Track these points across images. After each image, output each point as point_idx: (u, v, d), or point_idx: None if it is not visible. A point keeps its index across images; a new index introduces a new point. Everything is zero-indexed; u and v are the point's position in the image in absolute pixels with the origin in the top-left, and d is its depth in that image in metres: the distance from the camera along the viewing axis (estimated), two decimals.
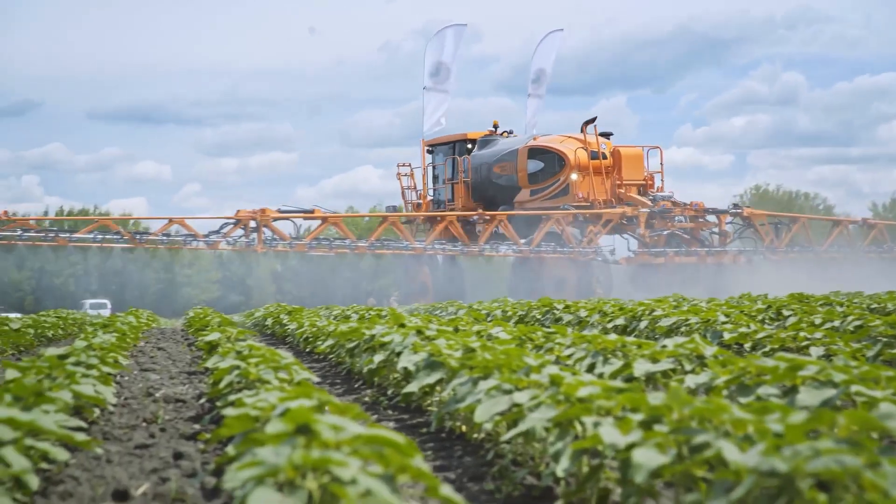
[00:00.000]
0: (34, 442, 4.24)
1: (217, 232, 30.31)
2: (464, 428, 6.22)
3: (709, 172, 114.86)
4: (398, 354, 7.63)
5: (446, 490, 3.09)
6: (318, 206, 32.00)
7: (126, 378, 9.93)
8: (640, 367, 5.99)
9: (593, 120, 34.25)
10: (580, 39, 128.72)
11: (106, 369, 7.16)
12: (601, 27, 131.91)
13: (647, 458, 3.28)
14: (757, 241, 34.79)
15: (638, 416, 3.68)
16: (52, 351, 6.58)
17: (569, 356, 7.21)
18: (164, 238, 30.02)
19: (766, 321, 13.10)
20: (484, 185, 35.73)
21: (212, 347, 9.83)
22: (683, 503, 3.15)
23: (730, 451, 2.96)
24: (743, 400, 4.82)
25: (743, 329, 10.02)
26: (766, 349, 8.94)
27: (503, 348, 5.91)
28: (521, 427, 4.37)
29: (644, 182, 34.34)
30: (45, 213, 69.17)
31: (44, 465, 4.84)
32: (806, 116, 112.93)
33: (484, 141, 36.51)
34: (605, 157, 33.62)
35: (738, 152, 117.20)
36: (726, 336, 9.77)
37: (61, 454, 4.40)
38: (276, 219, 30.58)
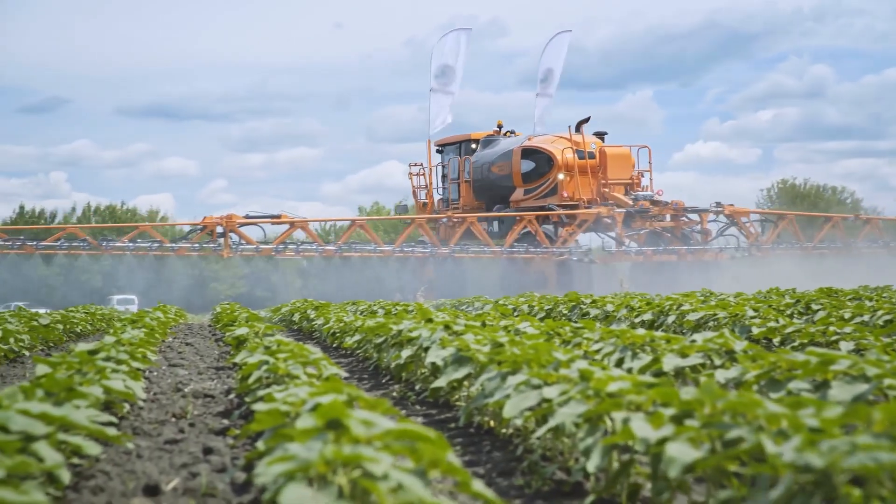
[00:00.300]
0: (66, 437, 4.27)
1: (185, 238, 31.91)
2: (492, 423, 6.21)
3: (736, 167, 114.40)
4: (426, 349, 7.63)
5: (478, 485, 3.08)
6: (285, 211, 33.36)
7: (155, 373, 9.98)
8: (670, 362, 5.97)
9: (587, 120, 35.37)
10: (606, 33, 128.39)
11: (135, 365, 7.19)
12: (628, 20, 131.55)
13: (682, 452, 3.26)
14: (740, 237, 35.53)
15: (669, 411, 3.66)
16: (82, 346, 6.62)
17: (597, 351, 7.19)
18: (130, 245, 31.30)
19: (795, 315, 13.03)
20: (485, 185, 36.56)
21: (240, 343, 9.86)
22: (717, 499, 3.13)
23: (769, 445, 2.94)
24: (773, 395, 4.79)
25: (772, 323, 9.97)
26: (796, 344, 8.89)
27: (532, 343, 5.89)
28: (552, 423, 4.36)
29: (631, 181, 35.06)
30: (73, 210, 69.70)
31: (75, 461, 4.87)
32: (834, 109, 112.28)
33: (486, 141, 37.29)
34: (591, 157, 34.44)
35: (765, 146, 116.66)
36: (755, 331, 9.73)
37: (93, 449, 4.42)
38: (241, 224, 31.82)
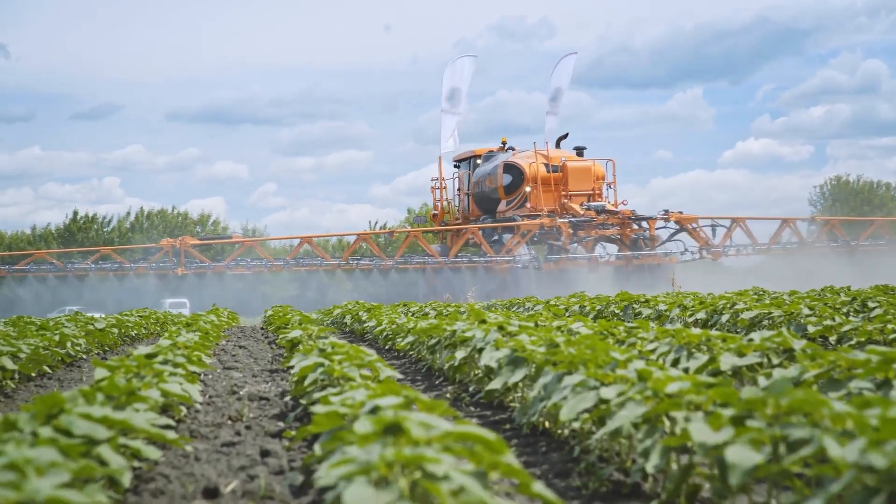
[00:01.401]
0: (126, 440, 4.30)
1: (143, 259, 37.11)
2: (547, 424, 6.19)
3: (787, 164, 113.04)
4: (480, 351, 7.62)
5: (538, 486, 3.07)
6: (236, 232, 38.54)
7: (210, 376, 10.05)
8: (727, 361, 5.91)
9: (565, 136, 39.76)
10: (657, 32, 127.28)
11: (192, 368, 7.24)
12: (678, 19, 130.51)
13: (742, 457, 3.22)
14: (685, 241, 38.20)
15: (728, 412, 3.63)
16: (139, 350, 6.67)
17: (652, 351, 7.15)
18: (93, 266, 36.50)
19: (851, 314, 12.88)
20: (482, 197, 39.82)
21: (293, 345, 9.90)
22: (780, 502, 3.09)
23: (833, 447, 2.90)
24: (833, 394, 4.73)
25: (828, 322, 9.86)
26: (853, 342, 8.78)
27: (589, 343, 5.86)
28: (611, 425, 4.33)
29: (591, 193, 37.85)
30: (128, 214, 70.50)
31: (135, 464, 4.91)
32: (887, 105, 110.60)
33: (487, 156, 40.47)
34: (556, 171, 37.57)
35: (818, 143, 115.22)
36: (811, 329, 9.63)
37: (153, 453, 4.46)
38: (195, 245, 36.74)
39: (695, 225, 37.80)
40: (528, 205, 37.11)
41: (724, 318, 12.47)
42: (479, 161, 40.79)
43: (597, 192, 37.88)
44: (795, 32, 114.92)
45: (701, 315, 13.14)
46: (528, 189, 37.13)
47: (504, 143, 41.05)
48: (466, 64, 41.96)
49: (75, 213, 70.09)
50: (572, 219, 36.47)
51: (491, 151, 40.71)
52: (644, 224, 37.68)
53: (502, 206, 38.59)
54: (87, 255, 40.35)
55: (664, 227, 38.12)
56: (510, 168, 38.12)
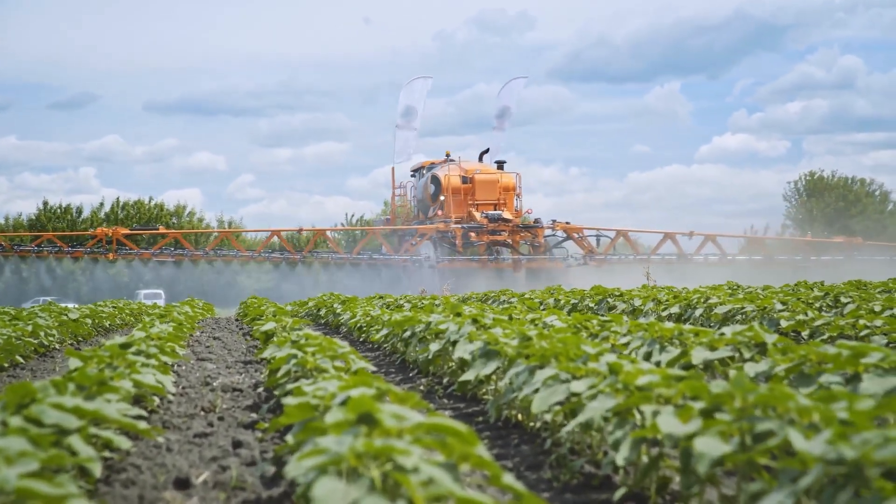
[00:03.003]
0: (98, 431, 4.29)
1: (81, 245, 41.27)
2: (520, 416, 6.21)
3: (764, 159, 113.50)
4: (454, 343, 7.63)
5: (509, 479, 3.08)
6: (161, 225, 45.66)
7: (184, 367, 10.03)
8: (699, 355, 5.94)
9: (487, 151, 45.11)
10: (637, 26, 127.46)
11: (165, 359, 7.22)
12: (658, 13, 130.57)
13: (710, 447, 3.25)
14: (568, 249, 42.71)
15: (698, 405, 3.65)
16: (112, 341, 6.65)
17: (625, 345, 7.18)
18: (35, 248, 40.21)
19: (824, 309, 12.96)
20: (421, 203, 44.52)
21: (268, 337, 9.89)
22: (747, 492, 3.12)
23: (797, 439, 2.92)
24: (804, 389, 4.76)
25: (800, 316, 9.92)
26: (825, 337, 8.84)
27: (560, 336, 5.88)
28: (581, 418, 4.35)
29: (497, 202, 42.12)
30: (101, 205, 70.06)
31: (106, 454, 4.90)
32: (864, 101, 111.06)
33: (430, 167, 44.69)
34: (466, 182, 41.97)
35: (794, 138, 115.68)
36: (784, 324, 9.68)
37: (124, 443, 4.45)
38: (126, 234, 40.90)
39: (579, 235, 42.47)
40: (440, 212, 41.95)
41: (698, 312, 12.53)
42: (424, 171, 45.29)
43: (502, 201, 42.26)
44: (774, 28, 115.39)
45: (675, 309, 13.19)
46: (442, 198, 41.92)
47: (448, 155, 44.97)
48: (422, 85, 47.08)
49: (45, 204, 69.66)
50: (465, 225, 40.87)
51: (433, 163, 44.91)
52: (534, 232, 42.13)
53: (430, 211, 43.21)
54: (35, 239, 43.59)
55: (553, 235, 42.60)
56: (434, 179, 42.93)
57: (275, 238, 43.40)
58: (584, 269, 40.87)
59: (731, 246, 45.49)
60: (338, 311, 17.60)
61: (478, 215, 41.33)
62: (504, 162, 44.24)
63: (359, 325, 13.93)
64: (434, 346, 8.10)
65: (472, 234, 40.74)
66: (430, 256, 40.24)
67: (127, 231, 41.54)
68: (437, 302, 15.71)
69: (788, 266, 42.30)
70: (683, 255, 43.07)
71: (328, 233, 46.04)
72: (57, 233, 47.06)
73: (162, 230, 43.66)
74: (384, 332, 11.14)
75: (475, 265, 40.01)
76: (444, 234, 40.74)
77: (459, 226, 40.72)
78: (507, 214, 41.45)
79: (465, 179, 42.02)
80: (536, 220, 42.53)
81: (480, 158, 44.76)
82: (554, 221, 42.87)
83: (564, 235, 42.56)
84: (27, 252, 40.44)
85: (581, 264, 41.41)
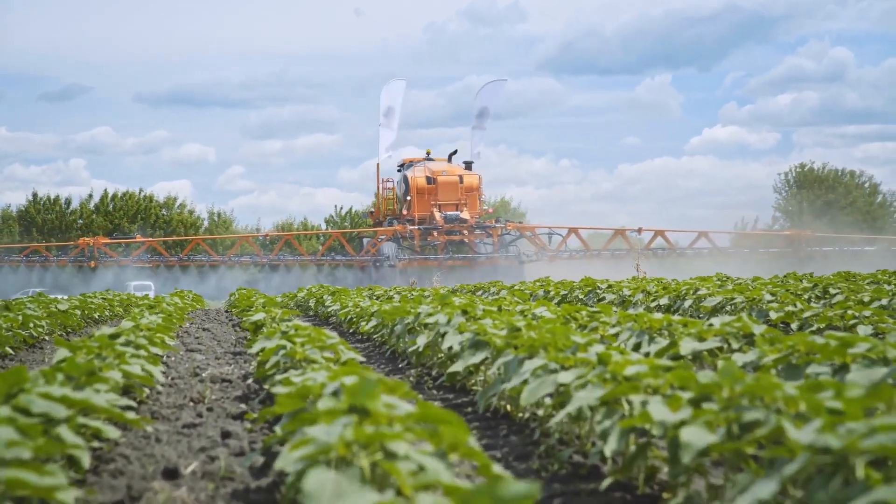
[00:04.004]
0: (86, 420, 4.29)
1: (65, 253, 44.50)
2: (509, 407, 6.22)
3: (754, 151, 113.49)
4: (443, 335, 7.64)
5: (498, 469, 3.09)
6: (138, 234, 49.65)
7: (173, 358, 10.02)
8: (687, 346, 5.96)
9: (455, 152, 47.68)
10: (627, 17, 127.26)
11: (154, 350, 7.22)
12: (648, 6, 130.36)
13: (696, 437, 3.26)
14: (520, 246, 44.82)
15: (687, 394, 3.66)
16: (102, 331, 6.64)
17: (615, 335, 7.19)
18: (24, 258, 43.67)
19: (812, 300, 13.00)
20: (400, 201, 46.39)
21: (257, 328, 9.89)
22: (735, 482, 3.13)
23: (790, 428, 2.93)
24: (792, 380, 4.78)
25: (789, 307, 9.94)
26: (814, 328, 8.86)
27: (549, 327, 5.89)
28: (569, 408, 4.36)
29: (458, 203, 44.21)
30: (90, 196, 69.88)
31: (95, 444, 4.89)
32: (853, 93, 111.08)
33: (408, 166, 46.82)
34: (431, 182, 44.16)
35: (784, 130, 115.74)
36: (773, 315, 9.71)
37: (112, 432, 4.45)
38: (106, 244, 43.89)
39: (531, 233, 44.93)
40: (405, 211, 44.53)
41: (687, 303, 12.56)
42: (404, 169, 47.30)
43: (464, 202, 44.32)
44: (765, 20, 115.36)
45: (664, 301, 13.22)
46: (408, 198, 44.48)
47: (428, 153, 47.62)
48: (399, 86, 49.20)
49: (35, 195, 69.42)
50: (422, 226, 43.47)
51: (413, 161, 47.21)
52: (489, 231, 44.35)
53: (404, 209, 45.30)
54: (23, 250, 46.75)
55: (507, 234, 44.69)
56: (404, 179, 45.47)
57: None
58: (537, 264, 42.73)
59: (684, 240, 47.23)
60: (327, 302, 17.59)
61: (438, 215, 43.73)
62: (471, 162, 47.13)
63: (349, 316, 13.92)
64: (422, 339, 8.11)
65: (435, 233, 43.26)
66: (390, 256, 42.83)
67: (107, 240, 44.73)
68: (426, 294, 15.72)
69: (740, 258, 44.20)
70: (634, 249, 44.09)
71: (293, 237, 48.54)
72: (43, 244, 49.88)
73: (139, 238, 46.55)
74: (373, 322, 11.14)
75: (433, 263, 42.00)
76: (402, 234, 43.37)
77: (416, 227, 43.41)
78: (464, 215, 43.74)
79: (429, 180, 44.30)
80: (497, 220, 45.94)
81: (449, 159, 47.36)
82: (507, 221, 46.54)
83: (518, 234, 45.03)
84: (16, 262, 43.27)
85: (534, 261, 43.40)
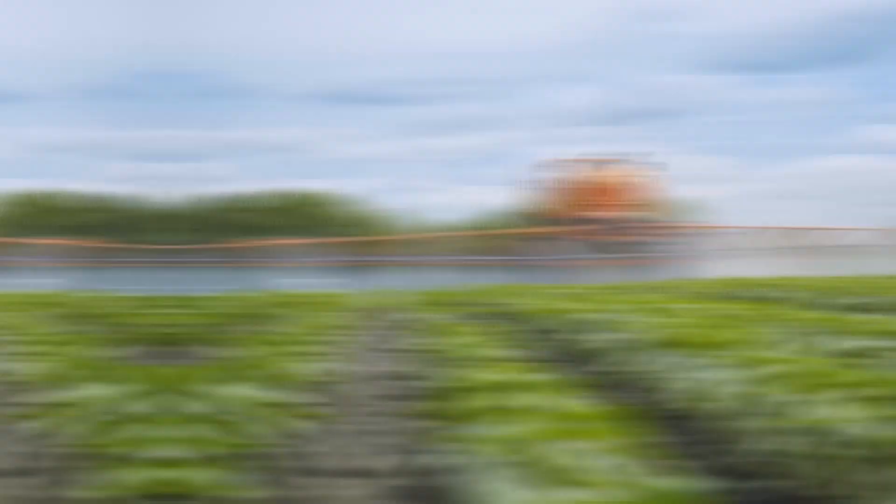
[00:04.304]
0: None
1: None
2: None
3: None
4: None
5: None
6: None
7: None
8: None
9: (632, 152, 45.63)
10: (790, 13, 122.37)
11: None
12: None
13: None
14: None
15: None
16: None
17: None
18: None
19: None
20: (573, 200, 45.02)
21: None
22: None
23: None
24: None
25: None
26: None
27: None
28: None
29: (631, 202, 42.94)
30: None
31: None
32: None
33: (582, 163, 44.76)
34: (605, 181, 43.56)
35: None
36: None
37: None
38: None
39: (709, 231, 44.46)
40: (580, 210, 42.91)
41: None
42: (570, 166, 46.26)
43: (638, 201, 42.92)
44: None
45: None
46: (582, 197, 43.29)
47: (602, 153, 46.32)
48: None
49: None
50: (602, 225, 42.37)
51: (585, 160, 45.48)
52: None
53: (578, 209, 43.58)
54: None
55: (686, 233, 43.72)
56: (580, 177, 43.85)
57: None
58: (719, 262, 41.29)
59: None
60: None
61: (615, 214, 43.01)
62: (648, 161, 45.08)
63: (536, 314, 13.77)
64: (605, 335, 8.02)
65: (615, 232, 42.26)
66: (575, 254, 41.98)
67: None
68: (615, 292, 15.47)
69: None
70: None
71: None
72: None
73: None
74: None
75: (618, 262, 41.17)
76: (584, 233, 42.50)
77: (597, 225, 42.54)
78: (640, 214, 42.90)
79: (606, 179, 43.54)
80: (677, 218, 44.47)
81: (625, 158, 45.71)
82: (686, 220, 45.16)
83: (698, 232, 44.06)
84: None
85: (718, 259, 42.02)
